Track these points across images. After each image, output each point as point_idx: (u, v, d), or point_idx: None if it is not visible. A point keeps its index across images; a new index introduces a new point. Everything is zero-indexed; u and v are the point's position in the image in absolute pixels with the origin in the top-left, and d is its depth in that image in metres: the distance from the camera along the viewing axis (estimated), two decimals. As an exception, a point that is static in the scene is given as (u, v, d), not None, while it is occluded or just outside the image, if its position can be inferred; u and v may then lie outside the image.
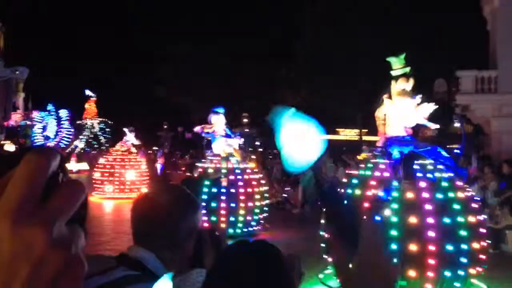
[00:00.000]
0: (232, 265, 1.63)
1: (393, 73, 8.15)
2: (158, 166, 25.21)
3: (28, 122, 36.01)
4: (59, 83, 43.47)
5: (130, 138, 21.96)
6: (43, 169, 0.58)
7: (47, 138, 32.22)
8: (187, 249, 1.86)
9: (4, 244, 0.54)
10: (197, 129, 13.98)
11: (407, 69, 8.08)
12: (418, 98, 8.07)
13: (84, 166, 34.03)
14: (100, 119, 36.16)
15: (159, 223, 1.81)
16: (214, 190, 12.24)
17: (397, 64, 8.13)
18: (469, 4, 26.56)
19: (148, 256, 1.77)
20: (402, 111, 8.02)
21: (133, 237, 1.87)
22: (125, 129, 22.31)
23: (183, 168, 26.94)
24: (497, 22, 22.37)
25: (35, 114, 33.16)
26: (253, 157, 14.78)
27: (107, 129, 37.68)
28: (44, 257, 0.55)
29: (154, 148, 32.64)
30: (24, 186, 0.56)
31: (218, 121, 13.43)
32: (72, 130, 34.79)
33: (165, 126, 42.42)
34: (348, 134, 38.25)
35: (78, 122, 35.41)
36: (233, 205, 12.20)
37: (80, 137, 34.61)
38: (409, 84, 8.05)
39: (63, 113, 34.51)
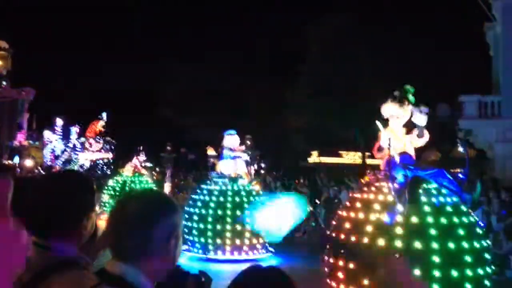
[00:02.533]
0: None
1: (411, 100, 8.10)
2: (167, 186, 25.53)
3: (31, 142, 36.15)
4: (62, 103, 43.65)
5: (136, 162, 21.77)
6: None
7: (56, 157, 32.33)
8: (168, 255, 1.75)
9: None
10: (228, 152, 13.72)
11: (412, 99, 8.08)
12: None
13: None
14: (107, 138, 36.28)
15: (130, 232, 1.70)
16: (220, 212, 12.22)
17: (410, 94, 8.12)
18: (472, 29, 26.76)
19: (126, 269, 1.69)
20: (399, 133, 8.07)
21: (109, 249, 1.78)
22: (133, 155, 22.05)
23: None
24: (500, 48, 22.52)
25: (46, 135, 33.26)
26: (258, 179, 14.75)
27: (111, 148, 37.67)
28: None
29: (156, 169, 32.64)
30: None
31: (236, 142, 13.58)
32: (79, 147, 34.79)
33: (168, 147, 42.39)
34: (351, 157, 38.14)
35: (80, 140, 35.41)
36: (238, 227, 12.14)
37: (85, 157, 34.62)
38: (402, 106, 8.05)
39: (73, 130, 34.62)
